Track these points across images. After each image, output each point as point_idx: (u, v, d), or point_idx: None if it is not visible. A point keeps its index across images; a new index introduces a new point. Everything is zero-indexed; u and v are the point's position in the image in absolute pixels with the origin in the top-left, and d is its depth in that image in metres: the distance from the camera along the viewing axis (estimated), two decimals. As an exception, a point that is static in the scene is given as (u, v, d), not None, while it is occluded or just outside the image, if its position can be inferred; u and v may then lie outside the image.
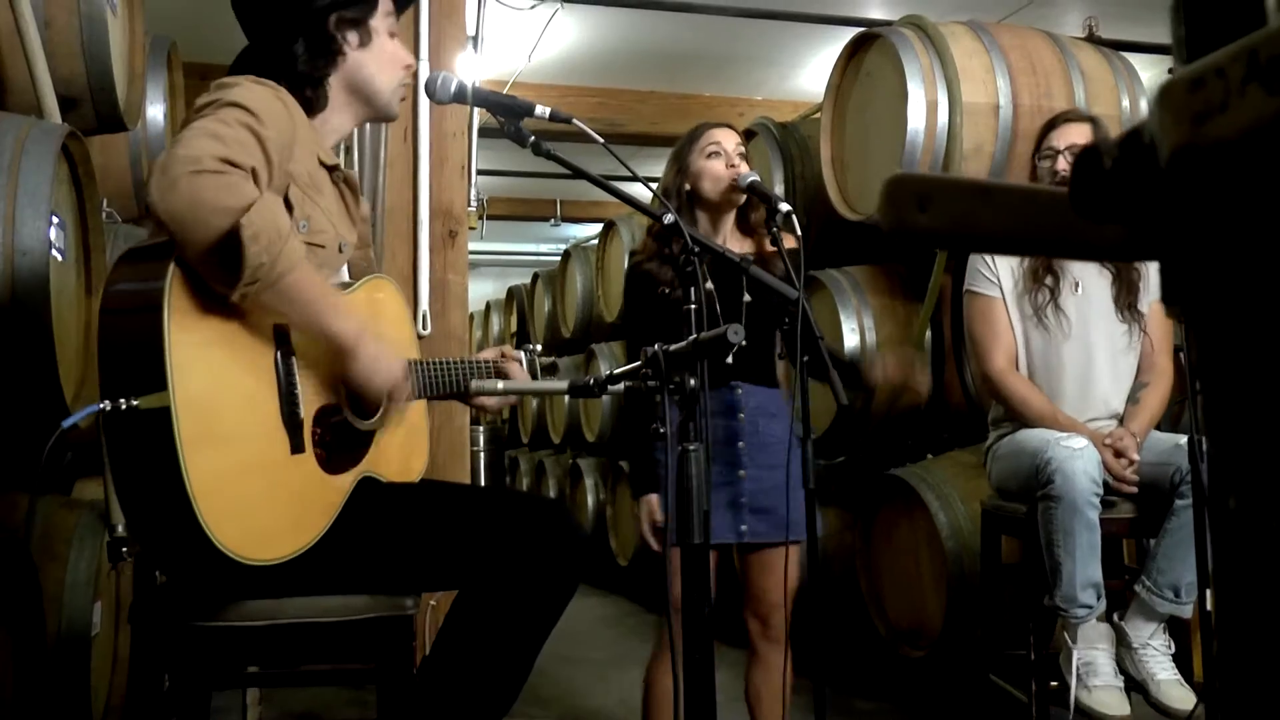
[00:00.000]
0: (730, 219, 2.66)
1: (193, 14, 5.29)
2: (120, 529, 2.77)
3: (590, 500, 6.67)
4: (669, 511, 1.45)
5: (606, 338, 6.62)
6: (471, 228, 3.44)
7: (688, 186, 2.62)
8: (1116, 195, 0.35)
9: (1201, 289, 0.33)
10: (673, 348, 1.39)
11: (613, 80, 6.73)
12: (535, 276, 7.84)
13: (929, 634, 3.68)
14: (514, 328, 8.55)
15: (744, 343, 1.32)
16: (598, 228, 7.44)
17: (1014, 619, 3.08)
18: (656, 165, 8.84)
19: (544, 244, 12.09)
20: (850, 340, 3.96)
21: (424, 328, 3.21)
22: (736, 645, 2.84)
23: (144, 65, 3.36)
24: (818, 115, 4.50)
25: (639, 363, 1.46)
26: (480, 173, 4.01)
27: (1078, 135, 2.98)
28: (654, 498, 2.52)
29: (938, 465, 3.78)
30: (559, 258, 7.50)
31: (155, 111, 3.72)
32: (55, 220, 2.41)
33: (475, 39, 4.33)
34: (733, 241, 2.65)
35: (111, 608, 2.89)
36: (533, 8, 4.81)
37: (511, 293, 8.71)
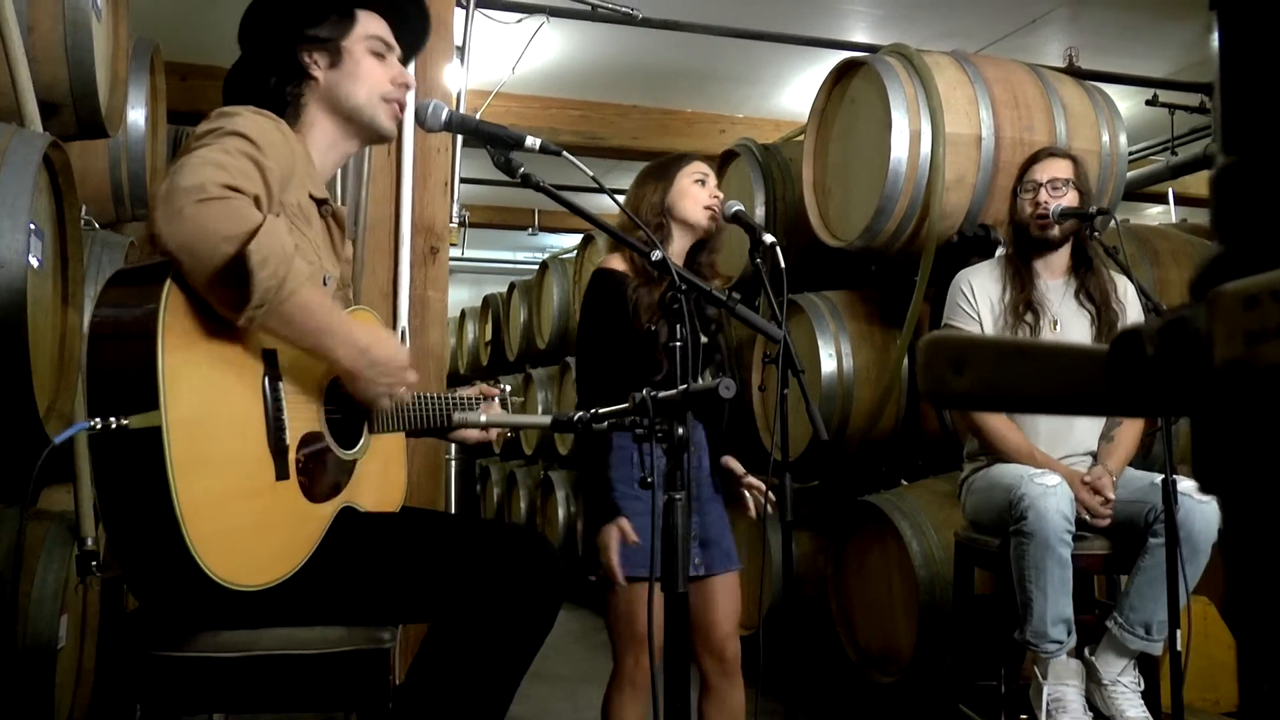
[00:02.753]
0: (684, 251, 2.67)
1: (175, 14, 5.27)
2: (90, 542, 2.74)
3: (561, 513, 6.66)
4: (653, 555, 1.44)
5: (582, 350, 6.61)
6: (453, 244, 3.43)
7: (668, 202, 2.61)
8: (1160, 384, 0.35)
9: (1244, 489, 0.33)
10: (662, 395, 1.39)
11: (595, 94, 6.74)
12: (512, 286, 7.82)
13: (899, 661, 3.70)
14: (489, 336, 8.53)
15: (730, 394, 1.32)
16: (575, 238, 7.42)
17: (985, 649, 3.09)
18: (636, 179, 8.83)
19: (521, 252, 12.06)
20: (828, 365, 3.98)
21: (402, 344, 3.19)
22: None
23: (127, 70, 3.33)
24: (800, 137, 4.52)
25: (625, 405, 1.45)
26: (459, 180, 4.00)
27: (1059, 170, 3.01)
28: (623, 521, 2.44)
29: (911, 493, 3.79)
30: (535, 267, 7.49)
31: (136, 116, 3.69)
32: (33, 228, 2.39)
33: (462, 50, 4.32)
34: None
35: (78, 621, 2.86)
36: (519, 21, 4.81)
37: (487, 301, 8.69)
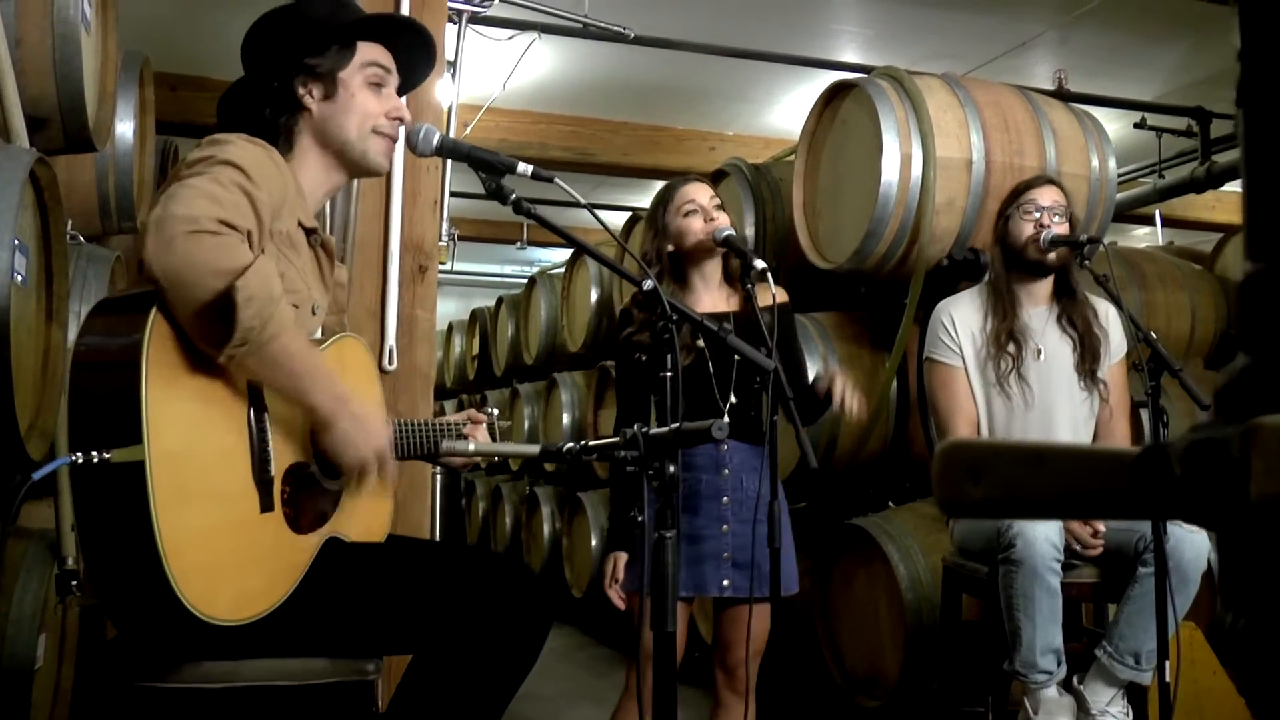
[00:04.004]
0: (715, 271, 2.68)
1: (165, 25, 5.24)
2: (70, 561, 2.71)
3: (546, 529, 6.63)
4: (643, 589, 1.43)
5: (568, 367, 6.60)
6: (442, 263, 3.40)
7: (670, 248, 2.64)
8: (1186, 503, 0.34)
9: (1274, 615, 0.32)
10: (653, 431, 1.37)
11: (585, 109, 6.73)
12: (499, 301, 7.80)
13: (885, 684, 3.68)
14: (475, 350, 8.50)
15: (727, 438, 1.31)
16: (564, 253, 7.39)
17: (972, 676, 3.08)
18: (624, 195, 8.86)
19: (508, 265, 12.03)
20: (816, 387, 3.97)
21: (389, 363, 3.16)
22: (695, 685, 2.87)
23: (115, 83, 3.30)
24: (790, 157, 4.51)
25: (616, 439, 1.44)
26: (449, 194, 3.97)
27: (1058, 196, 3.03)
28: (622, 555, 2.55)
29: (899, 516, 3.79)
30: (523, 280, 7.46)
31: (124, 129, 3.66)
32: (17, 244, 2.36)
33: (453, 65, 4.31)
34: (719, 294, 2.69)
35: (56, 640, 2.82)
36: (510, 38, 4.80)
37: (475, 315, 8.67)
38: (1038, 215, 2.98)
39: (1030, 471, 0.39)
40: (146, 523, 1.42)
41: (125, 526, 1.44)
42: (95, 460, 1.42)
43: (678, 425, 1.35)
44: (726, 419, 1.31)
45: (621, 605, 2.58)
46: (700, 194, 2.65)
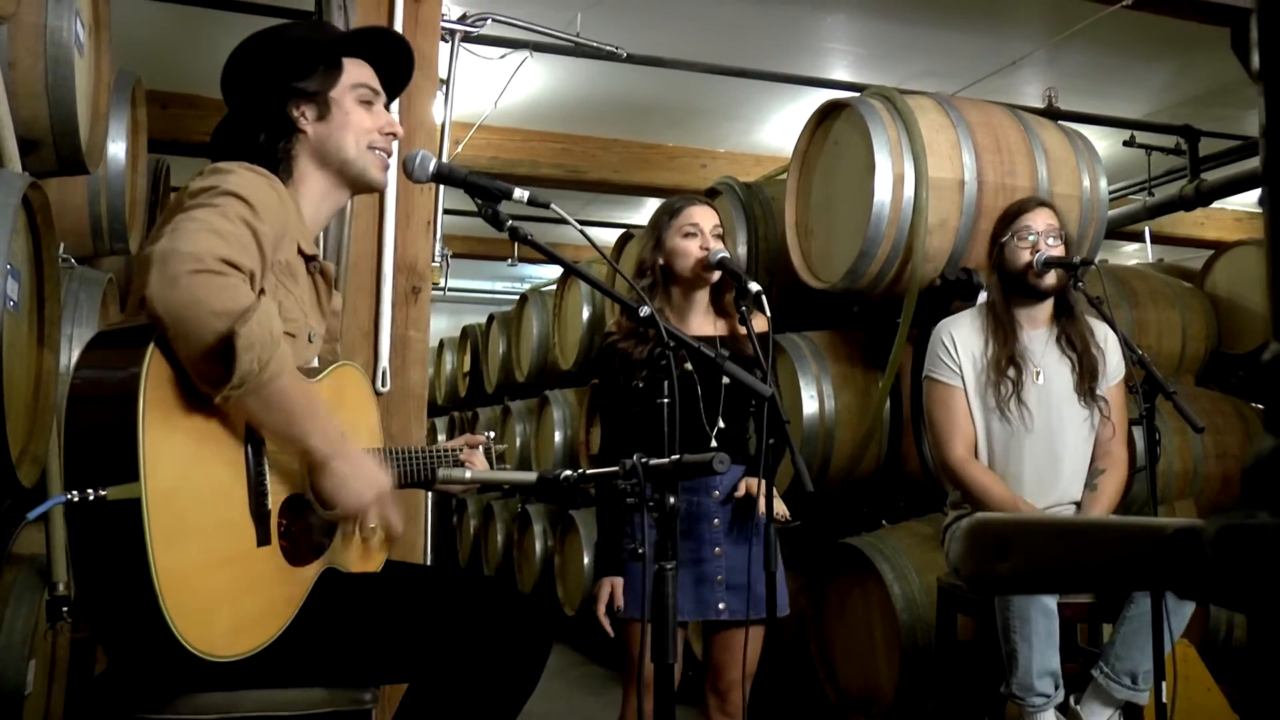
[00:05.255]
0: (704, 295, 2.68)
1: (156, 42, 5.24)
2: (61, 587, 2.69)
3: (538, 547, 6.61)
4: (644, 617, 1.42)
5: (560, 384, 6.59)
6: (435, 283, 3.40)
7: (662, 262, 2.65)
8: (1219, 585, 0.34)
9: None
10: (653, 462, 1.37)
11: (577, 127, 6.75)
12: (491, 318, 7.79)
13: (880, 703, 3.67)
14: (467, 367, 8.49)
15: (724, 469, 1.31)
16: (555, 270, 7.37)
17: (967, 695, 3.08)
18: (616, 212, 8.85)
19: (499, 282, 12.03)
20: (809, 407, 3.97)
21: (383, 385, 3.16)
22: (688, 704, 2.86)
23: (108, 105, 3.30)
24: (782, 176, 4.52)
25: (615, 468, 1.43)
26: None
27: (1052, 219, 3.03)
28: (618, 580, 2.54)
29: (893, 535, 3.78)
30: (514, 296, 7.44)
31: (116, 149, 3.65)
32: (9, 269, 2.35)
33: (446, 83, 4.32)
34: (705, 318, 2.68)
35: (46, 666, 2.80)
36: (503, 57, 4.81)
37: (466, 332, 8.66)
38: (1033, 240, 2.99)
39: (1059, 547, 0.39)
40: (143, 560, 1.41)
41: (121, 563, 1.42)
42: (91, 498, 1.41)
43: (679, 457, 1.35)
44: (715, 444, 1.30)
45: (612, 633, 2.56)
46: (705, 219, 2.66)
